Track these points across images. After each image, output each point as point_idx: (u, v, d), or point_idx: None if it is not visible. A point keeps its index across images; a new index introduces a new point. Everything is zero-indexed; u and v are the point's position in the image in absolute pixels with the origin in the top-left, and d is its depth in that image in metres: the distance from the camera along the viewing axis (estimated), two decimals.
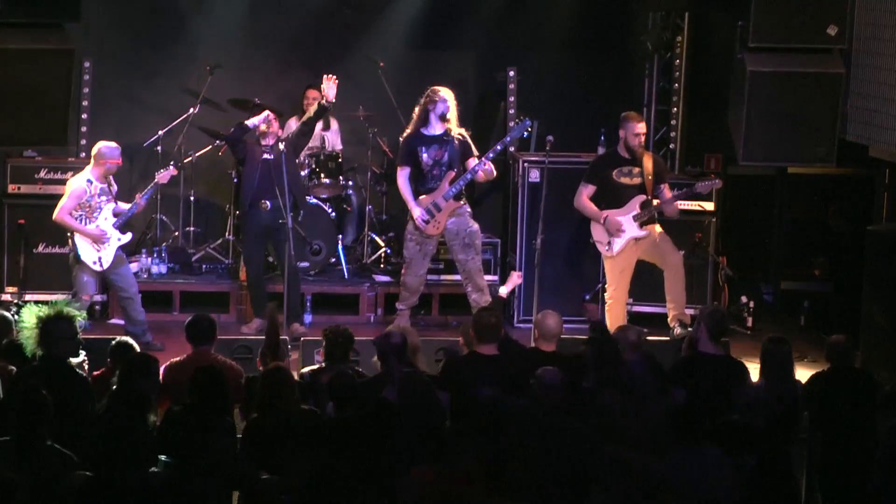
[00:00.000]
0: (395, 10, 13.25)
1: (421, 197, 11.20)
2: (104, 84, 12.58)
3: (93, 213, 10.57)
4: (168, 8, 12.85)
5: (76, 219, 10.54)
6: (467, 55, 13.44)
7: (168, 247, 12.46)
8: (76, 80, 11.20)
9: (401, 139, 11.45)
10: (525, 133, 11.53)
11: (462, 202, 11.29)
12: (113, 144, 10.67)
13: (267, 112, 11.46)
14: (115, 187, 10.77)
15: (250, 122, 11.36)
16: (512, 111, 12.73)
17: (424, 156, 11.16)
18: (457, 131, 11.23)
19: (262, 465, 6.94)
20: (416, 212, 11.15)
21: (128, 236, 10.77)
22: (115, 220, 10.62)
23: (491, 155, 11.29)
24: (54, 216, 10.58)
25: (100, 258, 10.58)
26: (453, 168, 11.15)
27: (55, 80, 9.84)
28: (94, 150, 10.63)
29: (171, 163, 11.26)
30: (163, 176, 10.98)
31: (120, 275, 10.73)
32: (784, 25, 10.43)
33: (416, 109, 11.26)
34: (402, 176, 11.26)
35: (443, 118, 11.14)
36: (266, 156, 11.29)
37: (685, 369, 8.14)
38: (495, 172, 11.36)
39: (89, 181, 10.53)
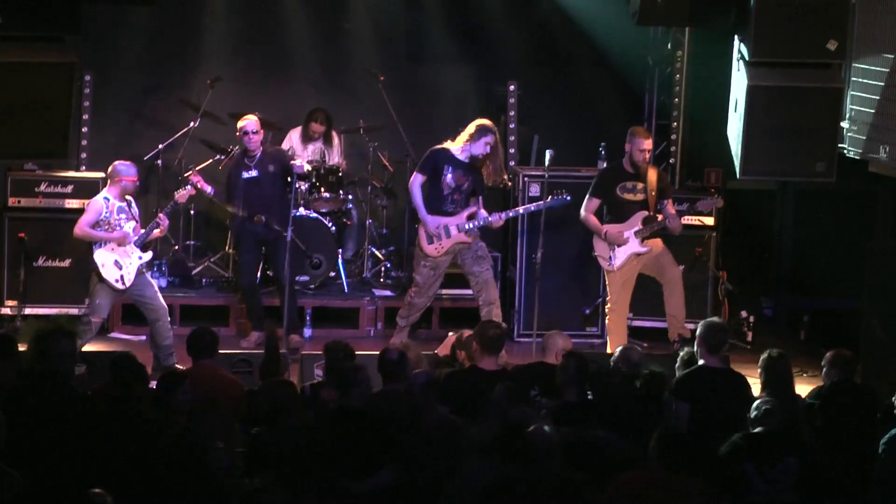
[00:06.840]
0: (396, 23, 13.28)
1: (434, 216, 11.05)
2: (105, 97, 12.61)
3: (112, 231, 10.35)
4: (169, 22, 12.86)
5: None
6: (467, 69, 13.45)
7: (168, 260, 12.46)
8: (77, 93, 11.19)
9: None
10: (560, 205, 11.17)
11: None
12: (128, 162, 10.48)
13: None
14: (136, 209, 10.53)
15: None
16: (512, 125, 12.73)
17: (448, 176, 10.96)
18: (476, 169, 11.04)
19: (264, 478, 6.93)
20: (430, 221, 10.96)
21: (148, 255, 10.51)
22: (135, 237, 10.38)
23: (521, 211, 11.38)
24: (75, 231, 10.33)
25: (122, 276, 10.30)
26: (474, 196, 11.03)
27: (56, 94, 9.81)
28: (110, 169, 10.44)
29: (188, 185, 10.90)
30: (181, 195, 10.81)
31: (146, 297, 10.45)
32: (784, 40, 10.43)
33: (467, 129, 10.99)
34: (416, 182, 11.02)
35: (472, 157, 10.94)
36: (249, 173, 11.27)
37: (688, 382, 8.15)
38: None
39: (106, 199, 10.32)
